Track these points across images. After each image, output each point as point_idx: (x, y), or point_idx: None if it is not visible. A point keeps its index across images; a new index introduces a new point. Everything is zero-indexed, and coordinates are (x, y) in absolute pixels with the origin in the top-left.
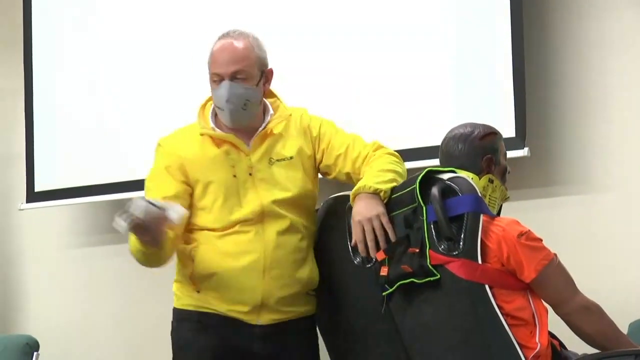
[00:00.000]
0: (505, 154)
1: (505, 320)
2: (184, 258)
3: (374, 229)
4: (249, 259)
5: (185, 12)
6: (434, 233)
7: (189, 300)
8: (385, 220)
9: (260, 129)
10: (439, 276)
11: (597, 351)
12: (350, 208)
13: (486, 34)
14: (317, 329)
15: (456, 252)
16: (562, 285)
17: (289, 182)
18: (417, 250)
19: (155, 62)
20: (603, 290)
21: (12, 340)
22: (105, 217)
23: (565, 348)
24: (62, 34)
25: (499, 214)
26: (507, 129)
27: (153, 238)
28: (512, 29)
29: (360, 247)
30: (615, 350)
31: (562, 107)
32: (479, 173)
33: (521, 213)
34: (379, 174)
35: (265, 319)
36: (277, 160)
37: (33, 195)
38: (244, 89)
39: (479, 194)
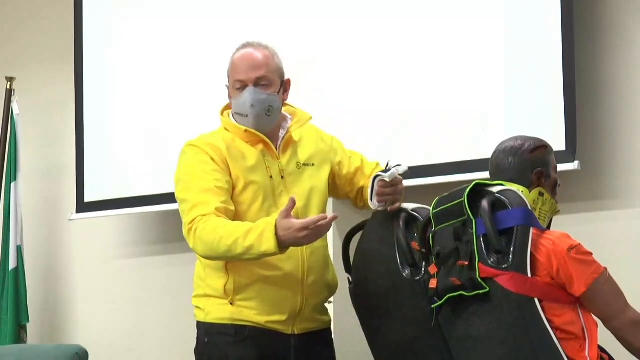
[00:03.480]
0: (556, 167)
1: (555, 334)
2: (215, 270)
3: None
4: (289, 266)
5: (237, 26)
6: (483, 246)
7: (221, 314)
8: None
9: (284, 132)
10: (488, 289)
11: None
12: (399, 221)
13: (536, 45)
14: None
15: (506, 265)
16: (612, 300)
17: (317, 187)
18: (467, 263)
19: (205, 74)
20: None
21: (62, 350)
22: (155, 228)
23: None
24: (112, 47)
25: (549, 227)
26: (558, 142)
27: None
28: (562, 41)
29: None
30: None
31: (613, 120)
32: (529, 186)
33: (572, 227)
34: None
35: (299, 328)
36: (304, 165)
37: (83, 206)
38: (266, 95)
39: (529, 208)
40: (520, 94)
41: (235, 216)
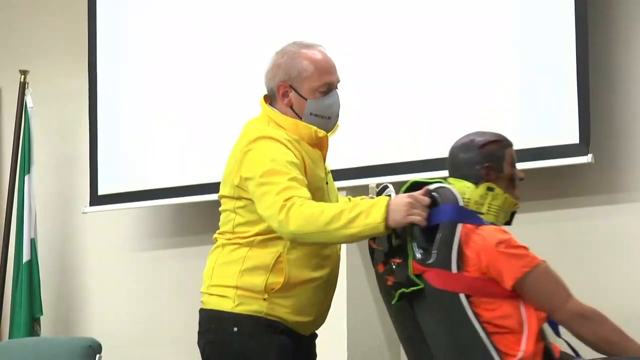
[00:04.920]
0: (513, 161)
1: (483, 328)
2: (255, 267)
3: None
4: (326, 271)
5: (252, 20)
6: (415, 243)
7: (255, 307)
8: None
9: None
10: (422, 285)
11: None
12: None
13: (550, 38)
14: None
15: (430, 261)
16: (550, 293)
17: (336, 196)
18: (400, 261)
19: (220, 66)
20: None
21: (75, 342)
22: (169, 221)
23: (578, 355)
24: (126, 38)
25: (510, 222)
26: (571, 136)
27: None
28: (576, 33)
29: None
30: (623, 357)
31: (627, 114)
32: (477, 181)
33: (585, 220)
34: None
35: (310, 330)
36: (327, 173)
37: (97, 199)
38: None
39: (460, 204)
40: (533, 88)
41: None
